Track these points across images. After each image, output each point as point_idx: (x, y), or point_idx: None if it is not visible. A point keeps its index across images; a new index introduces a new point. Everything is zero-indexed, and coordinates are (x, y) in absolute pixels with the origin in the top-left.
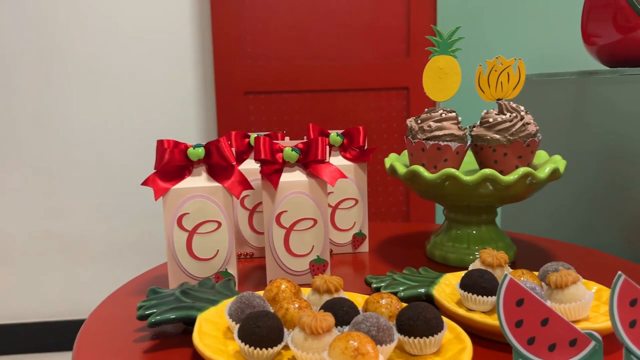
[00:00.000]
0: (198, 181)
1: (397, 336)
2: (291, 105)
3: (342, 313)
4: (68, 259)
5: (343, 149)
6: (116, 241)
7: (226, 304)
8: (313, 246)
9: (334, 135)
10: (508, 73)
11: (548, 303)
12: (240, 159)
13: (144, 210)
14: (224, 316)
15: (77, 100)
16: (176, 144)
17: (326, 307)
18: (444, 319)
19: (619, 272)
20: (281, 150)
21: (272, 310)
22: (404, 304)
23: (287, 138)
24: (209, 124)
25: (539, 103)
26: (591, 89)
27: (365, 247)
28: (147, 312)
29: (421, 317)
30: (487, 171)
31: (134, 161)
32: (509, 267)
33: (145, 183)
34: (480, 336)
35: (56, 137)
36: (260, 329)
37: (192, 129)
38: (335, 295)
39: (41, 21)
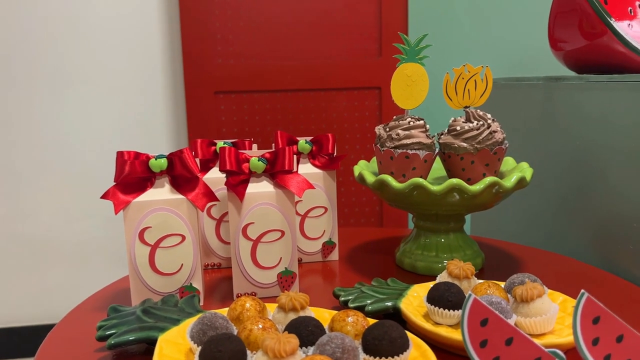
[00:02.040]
0: (160, 193)
1: (362, 356)
2: (262, 105)
3: (307, 333)
4: (35, 262)
5: (312, 157)
6: (84, 244)
7: (188, 323)
8: (281, 258)
9: (303, 142)
10: (475, 81)
11: (514, 317)
12: (206, 167)
13: (113, 213)
14: (185, 337)
15: (43, 101)
16: (137, 155)
17: (291, 327)
18: (410, 335)
19: (582, 291)
20: (247, 161)
21: (236, 330)
22: (371, 320)
23: (254, 146)
24: (178, 124)
25: (506, 107)
26: (558, 95)
27: (335, 256)
28: (107, 333)
29: (387, 337)
30: (454, 181)
31: (102, 162)
32: (475, 278)
33: (104, 196)
34: (447, 351)
35: (21, 139)
36: (221, 353)
37: (162, 128)
38: (301, 313)
39: (3, 20)
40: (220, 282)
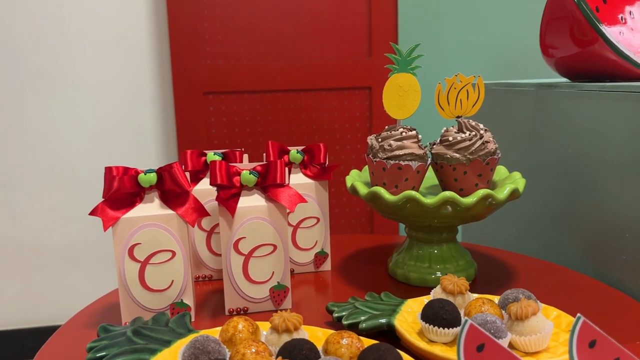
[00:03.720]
0: (150, 209)
1: None
2: (252, 106)
3: (302, 357)
4: (21, 265)
5: (303, 166)
6: (71, 247)
7: (180, 345)
8: (273, 272)
9: (294, 152)
10: (467, 90)
11: (509, 335)
12: (197, 178)
13: None
14: None
15: (28, 102)
16: (125, 170)
17: (284, 351)
18: (405, 357)
19: (578, 315)
20: (238, 174)
21: (229, 354)
22: (366, 341)
23: (245, 157)
24: (167, 125)
25: (496, 114)
26: (550, 102)
27: (327, 266)
28: (97, 355)
29: None
30: (447, 194)
31: (88, 163)
32: (470, 294)
33: (93, 213)
34: None
35: (6, 141)
36: None
37: (150, 130)
38: (295, 334)
39: None
40: (211, 295)
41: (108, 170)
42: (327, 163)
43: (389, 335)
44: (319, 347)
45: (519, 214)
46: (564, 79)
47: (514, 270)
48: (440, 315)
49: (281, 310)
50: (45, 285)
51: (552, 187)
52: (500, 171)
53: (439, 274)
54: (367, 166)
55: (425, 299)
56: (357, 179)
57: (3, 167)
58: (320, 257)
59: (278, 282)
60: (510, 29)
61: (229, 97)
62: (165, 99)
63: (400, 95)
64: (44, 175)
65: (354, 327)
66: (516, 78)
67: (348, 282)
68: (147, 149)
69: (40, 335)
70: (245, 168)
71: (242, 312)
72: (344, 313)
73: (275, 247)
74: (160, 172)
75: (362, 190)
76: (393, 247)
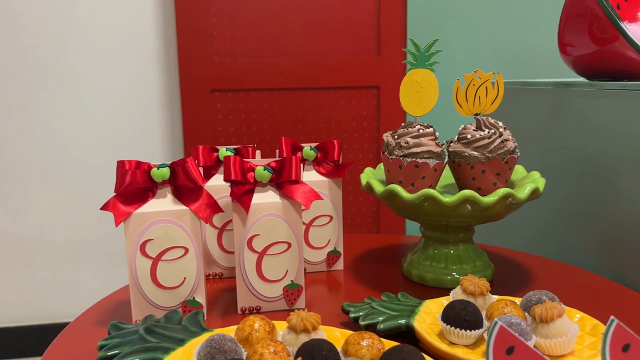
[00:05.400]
0: (163, 204)
1: None
2: (259, 104)
3: (321, 358)
4: (24, 261)
5: (317, 163)
6: (74, 244)
7: (194, 344)
8: (287, 271)
9: (308, 149)
10: (486, 87)
11: (534, 338)
12: (208, 174)
13: (103, 212)
14: (192, 359)
15: (33, 98)
16: (138, 164)
17: (304, 351)
18: (427, 358)
19: (612, 317)
20: (252, 170)
21: (245, 354)
22: (386, 342)
23: (258, 153)
24: (174, 122)
25: (513, 113)
26: (568, 101)
27: (340, 265)
28: (109, 354)
29: None
30: (467, 192)
31: (94, 160)
32: (490, 295)
33: (104, 207)
34: None
35: (11, 137)
36: None
37: (157, 127)
38: (313, 335)
39: None
40: (222, 293)
41: (120, 164)
42: (340, 160)
43: (406, 337)
44: (338, 348)
45: (533, 214)
46: (578, 78)
47: (530, 272)
48: (462, 316)
49: (295, 309)
50: (48, 282)
51: (569, 187)
52: (518, 171)
53: (455, 274)
54: (381, 164)
55: (444, 300)
56: (371, 177)
57: (8, 163)
58: (332, 256)
59: (292, 280)
60: (521, 28)
61: (236, 95)
62: (172, 96)
63: (418, 91)
64: (49, 172)
65: (371, 328)
66: (526, 77)
67: (361, 281)
68: (154, 146)
69: (42, 332)
70: (260, 164)
71: (254, 311)
72: (360, 313)
73: (289, 244)
74: (173, 166)
75: (378, 188)
76: (404, 247)
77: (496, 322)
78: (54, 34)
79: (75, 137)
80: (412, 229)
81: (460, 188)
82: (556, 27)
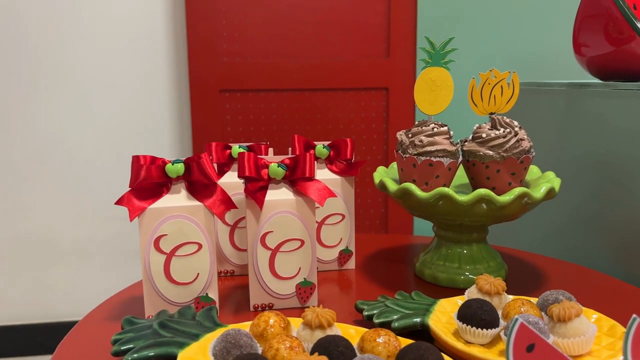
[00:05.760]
0: (177, 200)
1: None
2: (268, 104)
3: (338, 354)
4: (34, 260)
5: (329, 162)
6: (84, 242)
7: (209, 339)
8: (300, 268)
9: (320, 147)
10: (502, 86)
11: (551, 338)
12: (221, 171)
13: (113, 210)
14: (206, 354)
15: (43, 97)
16: (153, 159)
17: (319, 347)
18: (446, 359)
19: (634, 316)
20: (266, 166)
21: (260, 349)
22: (403, 340)
23: (270, 151)
24: (182, 122)
25: (526, 114)
26: (582, 102)
27: (351, 264)
28: (123, 348)
29: None
30: (482, 191)
31: (102, 160)
32: (506, 295)
33: (119, 202)
34: None
35: (21, 136)
36: None
37: (165, 127)
38: (328, 331)
39: (6, 15)
40: (234, 291)
41: (135, 159)
42: (353, 159)
43: (421, 336)
44: (353, 345)
45: (545, 216)
46: (592, 79)
47: (544, 273)
48: (478, 315)
49: (308, 307)
50: (56, 281)
51: (583, 188)
52: (533, 171)
53: (468, 274)
54: (394, 163)
55: (458, 300)
56: (384, 175)
57: (17, 162)
58: (344, 255)
59: (305, 278)
60: (530, 31)
61: (245, 95)
62: (182, 97)
63: (433, 90)
64: (59, 171)
65: (385, 327)
66: (536, 79)
67: (373, 280)
68: (163, 146)
69: (50, 331)
70: (274, 160)
71: (267, 308)
72: (374, 311)
73: (302, 242)
74: (188, 162)
75: (392, 186)
76: (415, 247)
77: (516, 319)
78: (64, 35)
79: (84, 137)
80: (420, 230)
81: (474, 188)
82: (566, 30)
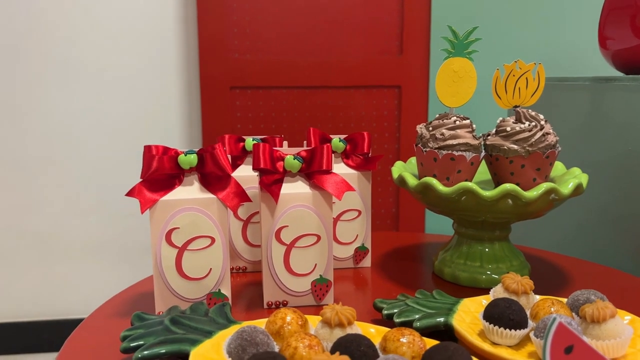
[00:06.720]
0: (189, 192)
1: None
2: (279, 102)
3: (360, 354)
4: (43, 257)
5: (346, 156)
6: (93, 238)
7: (222, 336)
8: (316, 265)
9: (336, 140)
10: (527, 78)
11: (584, 339)
12: (234, 165)
13: (121, 206)
14: (220, 352)
15: (53, 94)
16: (165, 150)
17: (340, 346)
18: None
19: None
20: (282, 159)
21: (277, 347)
22: (427, 340)
23: (285, 143)
24: (192, 119)
25: (550, 108)
26: (607, 97)
27: (367, 262)
28: (132, 345)
29: None
30: (508, 186)
31: (111, 156)
32: (534, 294)
33: (130, 194)
34: None
35: (29, 131)
36: None
37: (175, 123)
38: (348, 330)
39: (16, 12)
40: (247, 287)
41: (147, 149)
42: (370, 153)
43: (443, 336)
44: (376, 345)
45: (569, 213)
46: (616, 74)
47: (568, 273)
48: (506, 315)
49: (324, 305)
50: (63, 278)
51: (609, 186)
52: (558, 167)
53: (491, 273)
54: (412, 158)
55: (482, 300)
56: (403, 170)
57: (25, 158)
58: (360, 252)
59: (320, 275)
60: (547, 27)
61: (255, 92)
62: (192, 93)
63: (455, 81)
64: (66, 168)
65: (406, 326)
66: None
67: (390, 279)
68: (173, 143)
69: (57, 328)
70: (289, 153)
71: (281, 305)
72: (394, 310)
73: (319, 237)
74: (201, 153)
75: (412, 181)
76: (431, 245)
77: (554, 319)
78: (75, 32)
79: (93, 134)
80: (432, 228)
81: (497, 183)
82: (589, 25)
